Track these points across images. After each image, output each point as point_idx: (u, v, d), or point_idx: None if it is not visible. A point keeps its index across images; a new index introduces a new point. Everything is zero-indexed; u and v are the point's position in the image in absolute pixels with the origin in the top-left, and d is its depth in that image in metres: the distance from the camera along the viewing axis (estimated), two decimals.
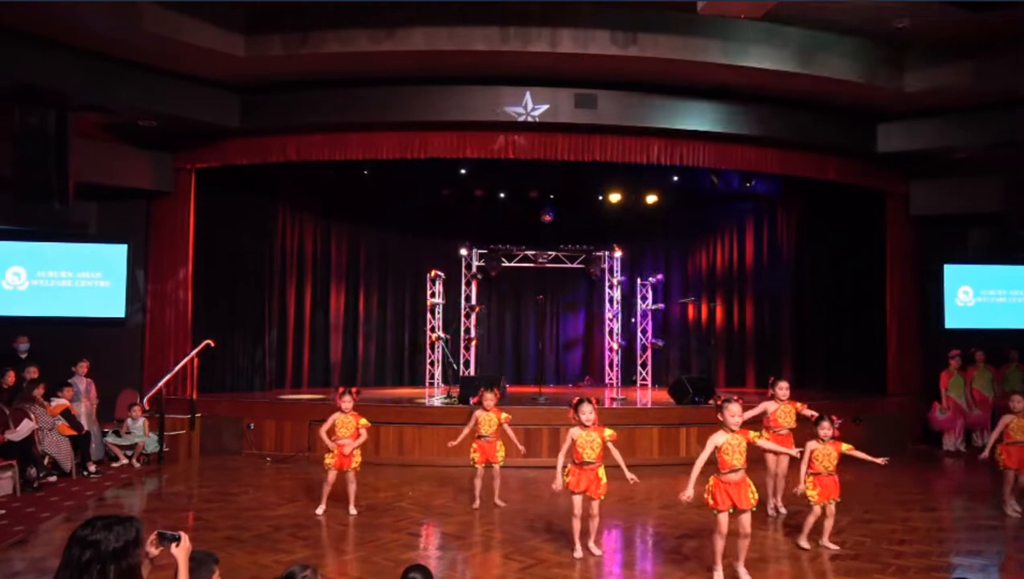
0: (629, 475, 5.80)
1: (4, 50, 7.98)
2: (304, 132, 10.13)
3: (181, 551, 2.82)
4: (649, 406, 11.03)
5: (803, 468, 6.01)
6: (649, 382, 13.53)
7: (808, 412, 6.97)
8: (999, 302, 12.51)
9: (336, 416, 7.08)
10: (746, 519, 5.15)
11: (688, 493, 5.12)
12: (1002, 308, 12.50)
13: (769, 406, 7.06)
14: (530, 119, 9.57)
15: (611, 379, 13.84)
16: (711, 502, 5.16)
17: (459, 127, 9.95)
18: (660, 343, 13.77)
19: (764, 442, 5.38)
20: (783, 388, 7.06)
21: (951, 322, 12.28)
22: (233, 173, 10.93)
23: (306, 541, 6.13)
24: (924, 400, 11.33)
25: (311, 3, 8.46)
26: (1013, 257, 12.35)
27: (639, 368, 13.69)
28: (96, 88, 8.81)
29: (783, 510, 7.21)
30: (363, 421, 7.12)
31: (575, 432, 5.81)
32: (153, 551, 2.79)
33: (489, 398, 7.38)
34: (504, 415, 7.41)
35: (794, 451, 6.08)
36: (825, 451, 6.01)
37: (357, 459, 7.10)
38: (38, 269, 10.72)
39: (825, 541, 6.07)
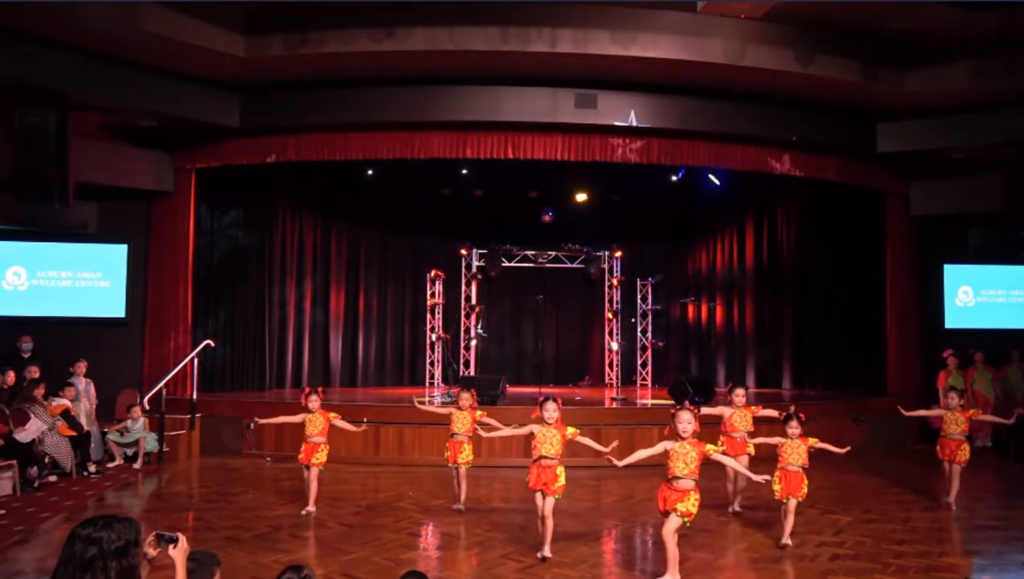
0: (607, 449, 5.84)
1: (4, 50, 8.00)
2: (304, 132, 10.14)
3: (179, 552, 2.82)
4: (649, 406, 11.03)
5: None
6: (649, 382, 13.53)
7: (765, 413, 7.23)
8: (999, 302, 12.51)
9: (304, 416, 7.10)
10: (672, 522, 5.03)
11: (615, 461, 5.32)
12: (1002, 308, 12.50)
13: (726, 411, 7.27)
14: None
15: (611, 379, 13.85)
16: (660, 505, 5.17)
17: (459, 127, 9.95)
18: (660, 343, 13.77)
19: (719, 456, 5.34)
20: (739, 395, 7.31)
21: (951, 322, 12.29)
22: (233, 173, 10.93)
23: (306, 541, 6.13)
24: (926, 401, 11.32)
25: (311, 3, 8.46)
26: (1013, 257, 12.35)
27: (639, 368, 13.70)
28: (96, 88, 8.82)
29: (739, 509, 7.27)
30: (333, 415, 7.17)
31: (535, 427, 5.88)
32: (151, 552, 2.79)
33: (465, 398, 7.28)
34: (479, 413, 7.29)
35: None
36: (793, 446, 6.17)
37: (320, 457, 7.00)
38: (38, 269, 10.73)
39: (785, 538, 6.05)
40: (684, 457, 5.05)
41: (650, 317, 13.91)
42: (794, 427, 6.20)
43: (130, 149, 10.49)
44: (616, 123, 9.71)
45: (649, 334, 13.82)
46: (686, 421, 5.11)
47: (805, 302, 13.49)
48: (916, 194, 11.88)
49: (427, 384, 13.30)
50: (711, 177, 12.35)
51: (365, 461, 9.40)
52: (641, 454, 5.33)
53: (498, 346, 14.68)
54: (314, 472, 7.00)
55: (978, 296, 12.45)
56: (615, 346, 13.90)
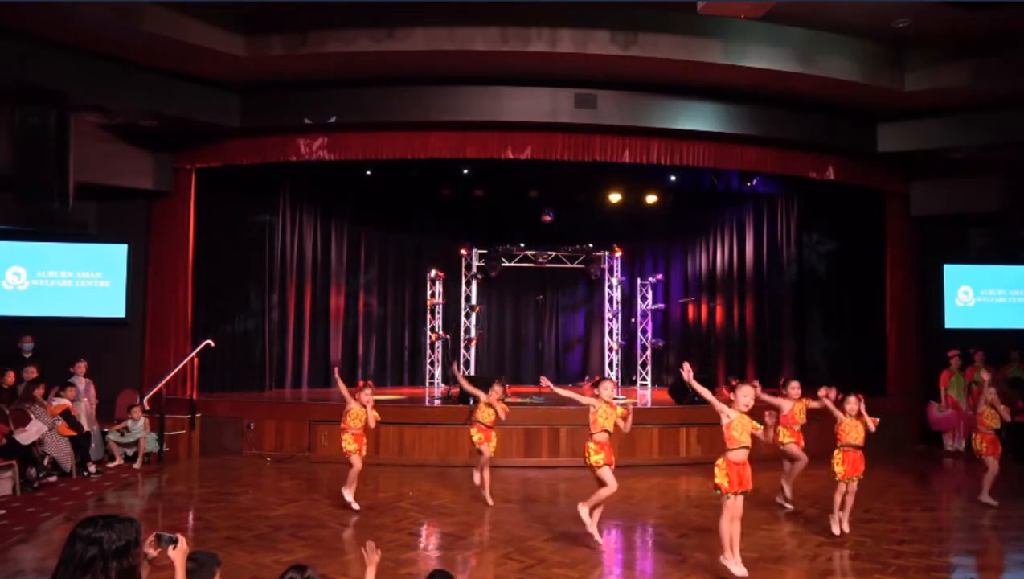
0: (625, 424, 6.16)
1: (4, 50, 7.99)
2: (304, 132, 10.13)
3: (178, 553, 2.82)
4: (649, 406, 11.03)
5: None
6: (649, 382, 13.53)
7: (815, 405, 7.24)
8: (999, 302, 12.51)
9: (353, 407, 7.23)
10: (741, 501, 5.26)
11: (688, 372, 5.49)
12: (1002, 308, 12.49)
13: (784, 405, 7.43)
14: None
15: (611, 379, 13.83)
16: (725, 486, 5.19)
17: (459, 127, 9.95)
18: (660, 343, 13.77)
19: (762, 434, 5.50)
20: (795, 388, 7.49)
21: (951, 322, 12.28)
22: (233, 173, 10.92)
23: (306, 541, 6.13)
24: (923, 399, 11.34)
25: (311, 3, 8.46)
26: (1013, 257, 12.34)
27: (639, 368, 13.70)
28: (96, 88, 8.82)
29: (790, 506, 7.39)
30: (374, 413, 7.36)
31: (597, 403, 6.06)
32: (151, 552, 2.80)
33: (495, 391, 7.58)
34: (502, 404, 7.62)
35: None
36: (851, 424, 6.23)
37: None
38: (38, 269, 10.73)
39: (843, 523, 6.22)
40: (745, 427, 5.21)
41: (650, 317, 13.91)
42: (852, 403, 6.23)
43: (130, 149, 10.49)
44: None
45: (649, 334, 13.82)
46: (750, 395, 5.26)
47: (805, 302, 13.48)
48: (916, 194, 11.87)
49: (427, 384, 13.30)
50: (712, 178, 12.33)
51: (365, 461, 9.41)
52: (710, 397, 5.41)
53: (498, 346, 14.67)
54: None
55: (978, 296, 12.45)
56: (615, 346, 13.89)
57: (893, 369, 11.73)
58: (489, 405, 7.48)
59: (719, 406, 5.28)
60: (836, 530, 6.22)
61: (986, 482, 7.56)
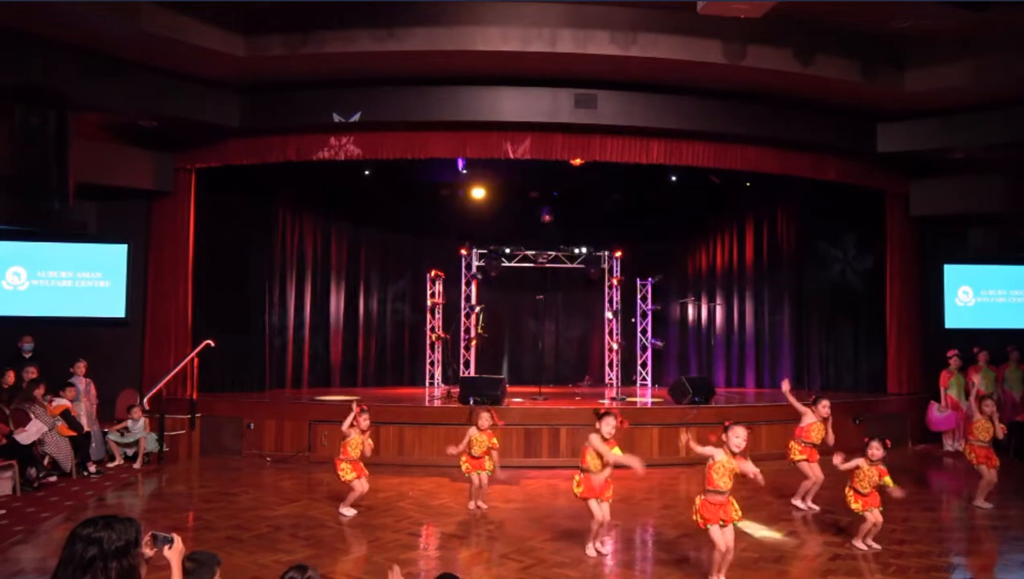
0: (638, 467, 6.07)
1: (4, 50, 8.00)
2: (304, 132, 10.13)
3: (174, 553, 2.83)
4: (649, 406, 11.03)
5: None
6: (649, 382, 13.53)
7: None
8: (999, 302, 12.51)
9: (353, 437, 7.07)
10: (729, 532, 5.13)
11: (684, 438, 5.41)
12: (1002, 308, 12.50)
13: (807, 417, 7.44)
14: None
15: (611, 379, 13.84)
16: (701, 521, 5.13)
17: (459, 127, 9.95)
18: (660, 343, 13.77)
19: (747, 466, 5.17)
20: (825, 406, 7.43)
21: (951, 322, 12.29)
22: (233, 173, 10.93)
23: (306, 541, 6.13)
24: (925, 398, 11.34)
25: (311, 3, 8.46)
26: (1013, 257, 12.34)
27: (639, 368, 13.70)
28: (96, 88, 8.82)
29: (815, 507, 7.43)
30: (369, 441, 7.20)
31: (594, 439, 5.96)
32: (147, 552, 2.80)
33: (484, 419, 7.22)
34: (494, 441, 7.29)
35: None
36: (868, 473, 6.03)
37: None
38: (38, 269, 10.73)
39: (868, 539, 6.09)
40: (728, 472, 5.09)
41: (650, 317, 13.90)
42: (875, 449, 6.00)
43: (130, 149, 10.49)
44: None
45: (649, 334, 13.82)
46: (742, 437, 5.10)
47: (805, 302, 13.48)
48: (916, 194, 11.88)
49: (427, 384, 13.30)
50: (712, 178, 12.33)
51: (365, 461, 9.44)
52: (698, 449, 5.28)
53: (498, 346, 14.67)
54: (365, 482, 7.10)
55: (978, 296, 12.45)
56: (615, 346, 13.89)
57: (893, 369, 11.74)
58: (481, 432, 7.18)
59: (707, 450, 5.18)
60: (862, 546, 6.03)
61: (980, 490, 7.56)
